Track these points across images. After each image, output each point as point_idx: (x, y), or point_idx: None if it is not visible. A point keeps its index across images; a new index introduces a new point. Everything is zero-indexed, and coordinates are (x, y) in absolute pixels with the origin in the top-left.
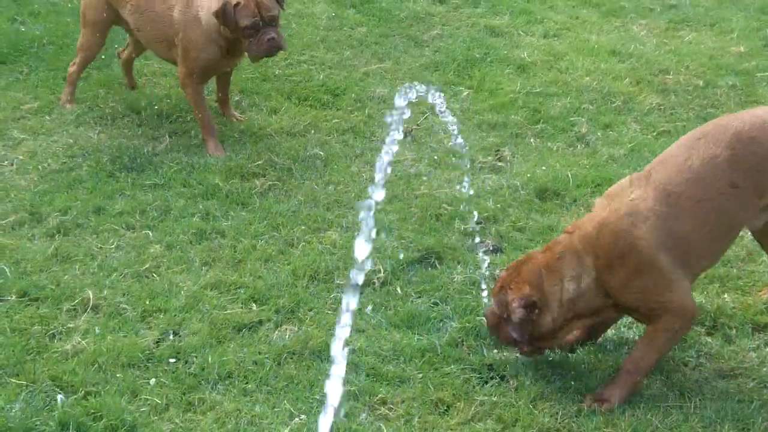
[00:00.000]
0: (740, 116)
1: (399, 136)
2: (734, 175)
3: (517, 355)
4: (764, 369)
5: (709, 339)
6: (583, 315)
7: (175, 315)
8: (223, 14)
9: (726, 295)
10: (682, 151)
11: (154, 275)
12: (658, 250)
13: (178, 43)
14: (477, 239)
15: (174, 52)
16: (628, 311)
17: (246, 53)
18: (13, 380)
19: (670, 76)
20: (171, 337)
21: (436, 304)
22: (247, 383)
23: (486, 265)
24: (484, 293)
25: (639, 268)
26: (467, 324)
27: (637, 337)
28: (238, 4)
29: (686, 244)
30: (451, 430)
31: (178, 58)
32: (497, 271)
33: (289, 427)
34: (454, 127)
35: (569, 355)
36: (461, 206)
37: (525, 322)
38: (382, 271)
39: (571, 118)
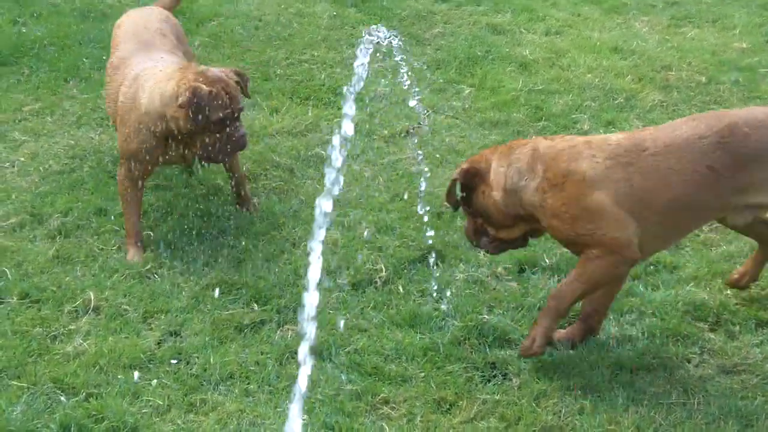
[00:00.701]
0: (739, 111)
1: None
2: (715, 159)
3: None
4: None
5: (712, 335)
6: (524, 218)
7: (177, 316)
8: (195, 105)
9: (729, 291)
10: (675, 124)
11: (156, 276)
12: (604, 190)
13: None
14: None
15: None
16: (559, 240)
17: (197, 150)
18: (15, 382)
19: (673, 73)
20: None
21: (438, 302)
22: (249, 384)
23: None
24: None
25: (577, 197)
26: (469, 323)
27: (641, 334)
28: (210, 92)
29: (643, 201)
30: (454, 428)
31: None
32: (500, 269)
33: None
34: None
35: (570, 351)
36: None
37: (469, 192)
38: (383, 270)
39: (573, 116)
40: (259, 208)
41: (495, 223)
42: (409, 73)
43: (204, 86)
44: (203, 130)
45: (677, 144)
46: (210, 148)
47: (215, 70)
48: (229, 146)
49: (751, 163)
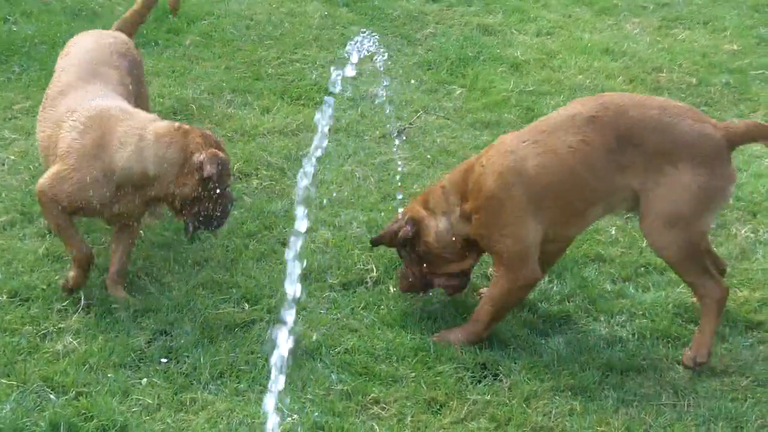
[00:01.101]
0: (618, 94)
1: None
2: (588, 133)
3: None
4: (758, 367)
5: None
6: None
7: (167, 315)
8: (217, 175)
9: None
10: (555, 112)
11: (146, 275)
12: (502, 184)
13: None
14: None
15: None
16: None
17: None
18: (4, 381)
19: (664, 74)
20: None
21: (428, 302)
22: (239, 383)
23: None
24: None
25: (483, 200)
26: (460, 323)
27: (631, 336)
28: (227, 160)
29: (537, 192)
30: (444, 429)
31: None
32: (490, 270)
33: (282, 426)
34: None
35: (562, 355)
36: None
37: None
38: (374, 270)
39: None
40: (251, 208)
41: (444, 261)
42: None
43: (222, 154)
44: (206, 197)
45: (553, 126)
46: (203, 214)
47: (208, 132)
48: (220, 214)
49: (624, 141)
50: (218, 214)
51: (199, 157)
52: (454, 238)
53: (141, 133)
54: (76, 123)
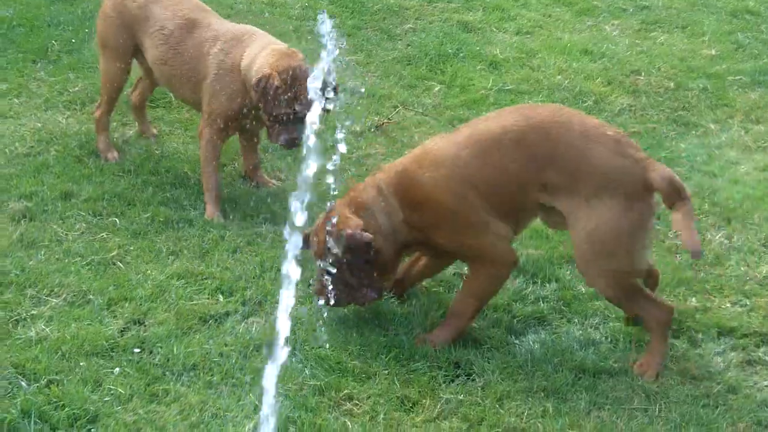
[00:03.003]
0: (545, 110)
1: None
2: (516, 156)
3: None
4: (729, 373)
5: (675, 342)
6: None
7: (141, 304)
8: (262, 90)
9: (693, 299)
10: (489, 118)
11: (121, 263)
12: (454, 195)
13: (205, 87)
14: None
15: (198, 95)
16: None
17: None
18: None
19: (642, 77)
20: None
21: (403, 300)
22: (212, 375)
23: None
24: None
25: (438, 212)
26: (434, 321)
27: (604, 338)
28: (278, 88)
29: (484, 194)
30: (417, 427)
31: (203, 103)
32: (465, 269)
33: (254, 420)
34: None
35: (536, 356)
36: None
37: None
38: None
39: None
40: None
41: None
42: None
43: (277, 80)
44: (264, 111)
45: (486, 139)
46: (269, 128)
47: (305, 68)
48: (281, 136)
49: (545, 164)
50: (275, 131)
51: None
52: (394, 245)
53: (263, 47)
54: (217, 49)
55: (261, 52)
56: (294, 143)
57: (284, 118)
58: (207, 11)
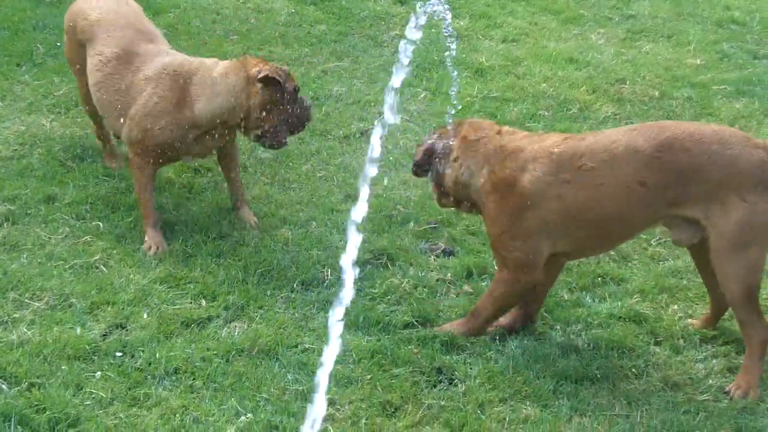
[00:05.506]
0: (682, 124)
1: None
2: (648, 175)
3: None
4: (710, 380)
5: (657, 349)
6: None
7: (123, 308)
8: (273, 78)
9: (675, 306)
10: (613, 135)
11: (103, 267)
12: (532, 204)
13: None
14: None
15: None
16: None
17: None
18: None
19: (627, 86)
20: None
21: (386, 305)
22: (194, 380)
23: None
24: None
25: (506, 208)
26: (418, 326)
27: (586, 345)
28: (281, 67)
29: (574, 217)
30: None
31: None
32: (449, 275)
33: (235, 425)
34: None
35: (518, 362)
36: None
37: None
38: (333, 270)
39: (527, 124)
40: (210, 203)
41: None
42: None
43: (291, 81)
44: (278, 103)
45: (612, 157)
46: (277, 126)
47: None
48: (297, 119)
49: (684, 178)
50: (298, 111)
51: (252, 72)
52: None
53: (211, 75)
54: (150, 84)
55: (217, 82)
56: (311, 110)
57: (295, 118)
58: (150, 39)
